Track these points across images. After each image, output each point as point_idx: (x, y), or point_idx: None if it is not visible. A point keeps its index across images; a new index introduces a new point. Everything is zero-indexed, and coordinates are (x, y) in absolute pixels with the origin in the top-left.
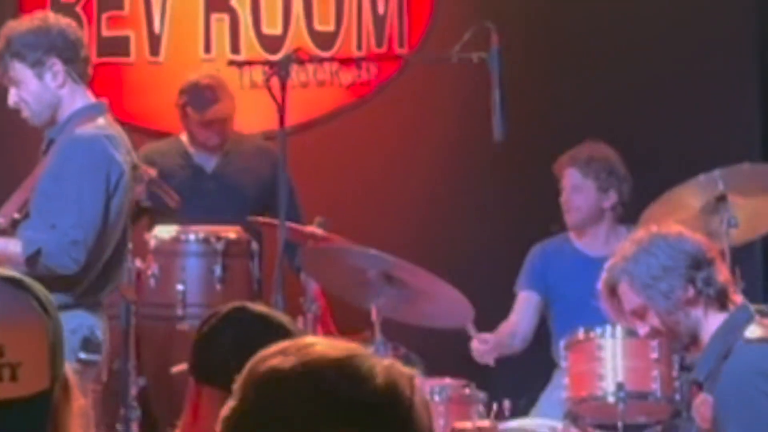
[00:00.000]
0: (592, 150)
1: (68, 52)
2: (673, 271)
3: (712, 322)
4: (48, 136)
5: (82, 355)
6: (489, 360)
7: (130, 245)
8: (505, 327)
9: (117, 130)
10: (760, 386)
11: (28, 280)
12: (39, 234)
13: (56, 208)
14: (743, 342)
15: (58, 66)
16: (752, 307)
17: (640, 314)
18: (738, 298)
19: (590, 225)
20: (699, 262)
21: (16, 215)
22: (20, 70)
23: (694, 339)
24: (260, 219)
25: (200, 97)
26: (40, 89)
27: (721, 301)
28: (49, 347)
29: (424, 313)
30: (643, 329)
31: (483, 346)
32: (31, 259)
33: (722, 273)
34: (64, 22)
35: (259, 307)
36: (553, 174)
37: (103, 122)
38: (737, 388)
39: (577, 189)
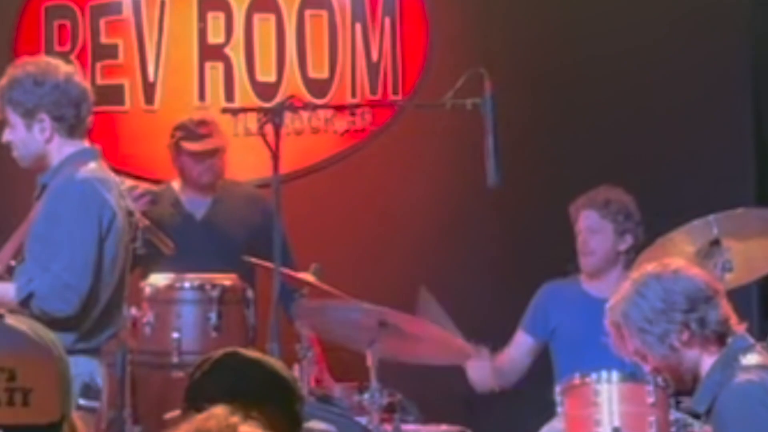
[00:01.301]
0: (609, 193)
1: (60, 109)
2: (666, 315)
3: (709, 360)
4: (40, 182)
5: (82, 402)
6: (492, 383)
7: (126, 292)
8: (501, 360)
9: (110, 175)
10: (762, 402)
11: (35, 323)
12: (32, 278)
13: (49, 252)
14: (740, 369)
15: (46, 122)
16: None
17: (641, 355)
18: (740, 329)
19: (606, 268)
20: (694, 302)
21: (12, 261)
22: (12, 116)
23: (696, 378)
24: (255, 260)
25: (194, 130)
26: (27, 138)
27: (720, 338)
28: (59, 380)
29: (421, 355)
30: (647, 368)
31: (481, 369)
32: (25, 303)
33: (721, 308)
34: (65, 73)
35: (251, 353)
36: (548, 217)
37: (94, 166)
38: (737, 408)
39: (595, 231)
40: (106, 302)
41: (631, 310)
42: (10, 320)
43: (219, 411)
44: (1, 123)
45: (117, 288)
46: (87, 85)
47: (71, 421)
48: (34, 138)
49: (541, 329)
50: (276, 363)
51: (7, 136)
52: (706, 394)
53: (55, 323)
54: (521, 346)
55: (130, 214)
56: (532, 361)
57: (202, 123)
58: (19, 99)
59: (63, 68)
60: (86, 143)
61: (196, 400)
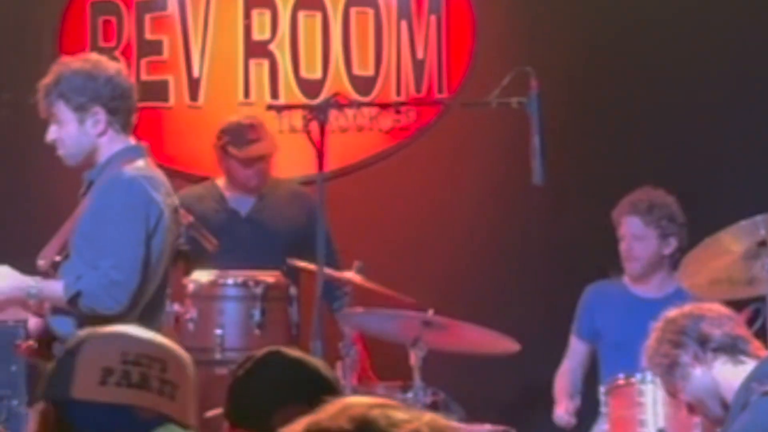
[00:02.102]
0: (652, 196)
1: (114, 102)
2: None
3: (728, 378)
4: (87, 179)
5: None
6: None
7: (169, 289)
8: (563, 377)
9: (157, 173)
10: None
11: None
12: (80, 275)
13: (96, 249)
14: (761, 394)
15: (100, 115)
16: None
17: (693, 408)
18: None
19: (650, 273)
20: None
21: (57, 258)
22: (63, 111)
23: (724, 405)
24: (298, 262)
25: (242, 135)
26: (79, 133)
27: (733, 356)
28: (194, 388)
29: (466, 348)
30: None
31: (568, 417)
32: (73, 301)
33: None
34: (114, 69)
35: (294, 352)
36: (593, 217)
37: (142, 164)
38: None
39: (639, 238)
40: (149, 299)
41: (676, 369)
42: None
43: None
44: (44, 122)
45: (160, 285)
46: (132, 80)
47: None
48: (86, 132)
49: (587, 331)
50: (318, 363)
51: (53, 134)
52: (733, 417)
53: (102, 321)
54: (578, 352)
55: (175, 211)
56: (588, 366)
57: (251, 127)
58: (72, 93)
59: (111, 63)
60: (133, 140)
61: (238, 398)
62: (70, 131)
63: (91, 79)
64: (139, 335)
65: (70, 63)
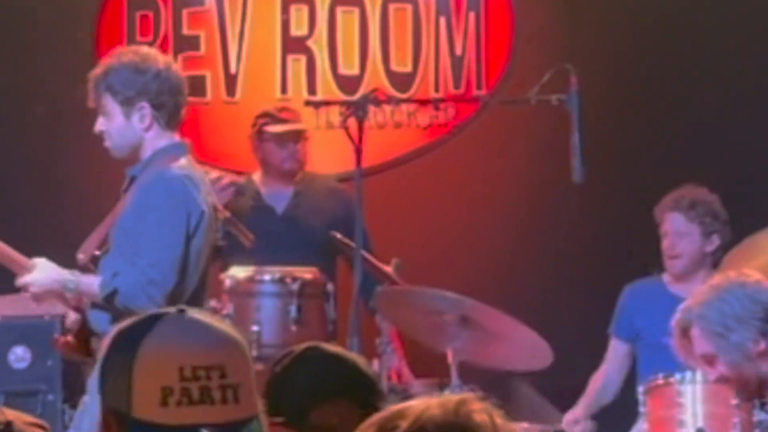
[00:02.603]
0: (695, 194)
1: (160, 97)
2: (745, 323)
3: None
4: (129, 174)
5: None
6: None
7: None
8: (596, 382)
9: (198, 171)
10: None
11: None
12: (117, 272)
13: (135, 247)
14: None
15: (146, 110)
16: None
17: (709, 360)
18: None
19: (692, 271)
20: None
21: (96, 252)
22: (110, 103)
23: (761, 389)
24: (340, 236)
25: (277, 116)
26: (124, 127)
27: None
28: (253, 372)
29: (501, 357)
30: (712, 375)
31: (577, 428)
32: (108, 298)
33: None
34: (165, 63)
35: (333, 347)
36: (632, 215)
37: (185, 162)
38: None
39: (682, 234)
40: (188, 299)
41: (710, 314)
42: (194, 315)
43: (449, 398)
44: (89, 116)
45: (199, 284)
46: (184, 76)
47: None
48: (132, 126)
49: (626, 331)
50: (357, 358)
51: (101, 125)
52: None
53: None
54: (617, 355)
55: (215, 209)
56: (627, 367)
57: (284, 109)
58: (120, 86)
59: (162, 57)
60: (178, 137)
61: (277, 394)
62: (117, 124)
63: (139, 73)
64: (194, 338)
65: (121, 55)
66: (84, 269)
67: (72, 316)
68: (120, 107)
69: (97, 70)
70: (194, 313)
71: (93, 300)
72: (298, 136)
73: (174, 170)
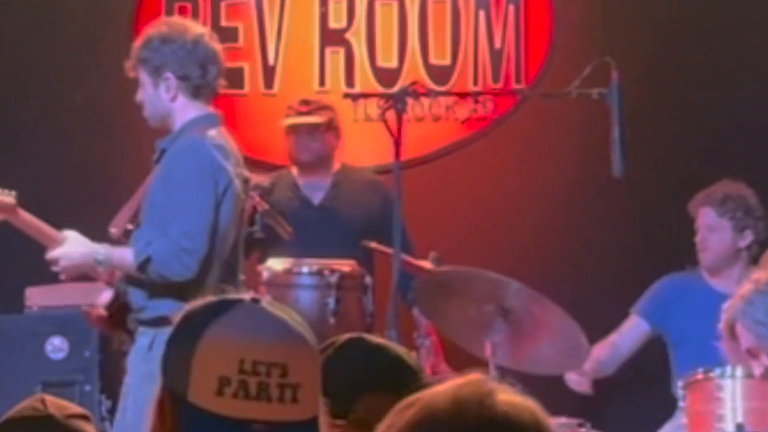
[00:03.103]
0: (728, 189)
1: (185, 68)
2: None
3: None
4: (159, 147)
5: None
6: (586, 389)
7: (242, 276)
8: (602, 350)
9: (228, 142)
10: None
11: (286, 307)
12: (149, 242)
13: (166, 216)
14: None
15: (171, 80)
16: None
17: (754, 353)
18: None
19: (725, 265)
20: None
21: (129, 225)
22: (142, 73)
23: None
24: (375, 245)
25: (297, 108)
26: (154, 97)
27: None
28: (319, 370)
29: (539, 353)
30: (758, 369)
31: (580, 377)
32: (142, 267)
33: None
34: (194, 34)
35: (376, 338)
36: (672, 210)
37: (214, 133)
38: None
39: (713, 229)
40: (221, 271)
41: (752, 308)
42: (268, 306)
43: (475, 377)
44: (123, 96)
45: (232, 253)
46: (218, 48)
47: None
48: (159, 96)
49: (658, 318)
50: (400, 349)
51: (139, 96)
52: None
53: (173, 289)
54: (633, 330)
55: (245, 181)
56: (636, 349)
57: (306, 102)
58: (148, 56)
59: (193, 29)
60: (211, 108)
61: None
62: (148, 94)
63: (165, 43)
64: (261, 332)
65: (156, 26)
66: (116, 243)
67: (106, 292)
68: (149, 77)
69: (137, 41)
70: (268, 304)
71: (126, 271)
72: (311, 128)
73: (203, 140)
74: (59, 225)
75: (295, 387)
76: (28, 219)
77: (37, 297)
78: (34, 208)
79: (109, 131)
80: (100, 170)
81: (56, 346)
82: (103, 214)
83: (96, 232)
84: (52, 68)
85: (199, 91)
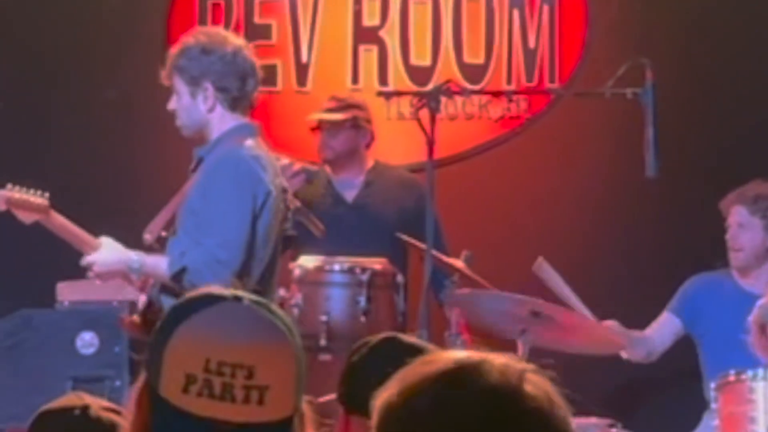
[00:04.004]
0: (760, 188)
1: (224, 80)
2: None
3: None
4: (197, 155)
5: None
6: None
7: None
8: (638, 333)
9: (266, 153)
10: None
11: (275, 306)
12: (184, 252)
13: (203, 227)
14: None
15: (210, 91)
16: None
17: None
18: None
19: (755, 265)
20: None
21: (163, 233)
22: (178, 82)
23: None
24: (407, 238)
25: (326, 104)
26: (191, 107)
27: None
28: (295, 374)
29: (573, 345)
30: None
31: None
32: (177, 277)
33: None
34: (234, 46)
35: (411, 338)
36: (706, 211)
37: (252, 143)
38: None
39: (744, 227)
40: (257, 280)
41: None
42: (250, 305)
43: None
44: (158, 100)
45: (268, 266)
46: (256, 60)
47: (301, 411)
48: (197, 106)
49: (688, 315)
50: (434, 349)
51: (172, 104)
52: None
53: None
54: (665, 326)
55: (284, 191)
56: (668, 345)
57: (334, 98)
58: (186, 66)
59: (233, 40)
60: (247, 119)
61: (354, 384)
62: (184, 104)
63: (205, 54)
64: (232, 332)
65: (195, 35)
66: (150, 250)
67: (142, 298)
68: (186, 87)
69: (173, 49)
70: (251, 303)
71: (159, 280)
72: (331, 125)
73: (241, 150)
74: (91, 227)
75: (262, 389)
76: (61, 222)
77: (67, 292)
78: (66, 210)
79: (142, 131)
80: (133, 172)
81: (86, 342)
82: (135, 216)
83: (123, 230)
84: (85, 64)
85: (236, 102)
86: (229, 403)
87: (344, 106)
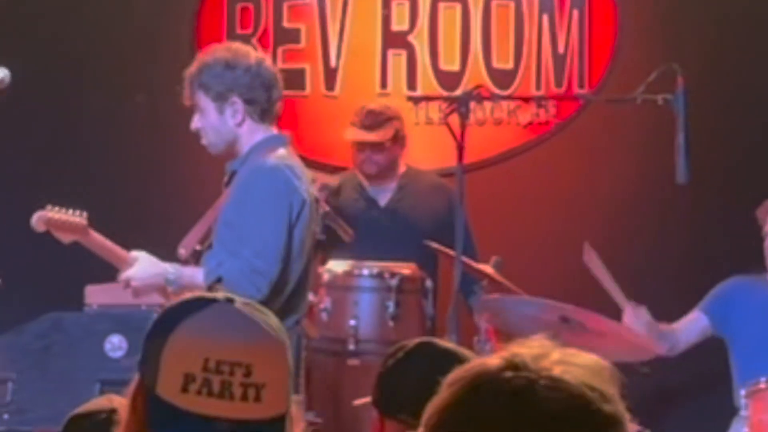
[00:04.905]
0: None
1: (252, 92)
2: None
3: None
4: (230, 169)
5: None
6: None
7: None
8: (665, 326)
9: (298, 162)
10: None
11: (263, 308)
12: (221, 262)
13: (239, 238)
14: None
15: (238, 105)
16: None
17: None
18: None
19: None
20: None
21: (198, 247)
22: (203, 100)
23: None
24: (436, 245)
25: (361, 118)
26: (219, 123)
27: None
28: (288, 373)
29: (603, 351)
30: None
31: (637, 318)
32: (213, 288)
33: None
34: (257, 58)
35: (446, 343)
36: (736, 217)
37: (284, 153)
38: None
39: None
40: (292, 288)
41: None
42: (241, 306)
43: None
44: (190, 110)
45: (303, 274)
46: (277, 70)
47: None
48: (225, 122)
49: (719, 315)
50: (470, 354)
51: (197, 123)
52: None
53: None
54: (692, 322)
55: (316, 200)
56: (692, 342)
57: (371, 113)
58: (211, 82)
59: (254, 53)
60: (275, 130)
61: (389, 388)
62: (211, 120)
63: (230, 69)
64: (228, 332)
65: (214, 52)
66: (185, 264)
67: None
68: (213, 103)
69: (192, 68)
70: (242, 305)
71: (197, 292)
72: (373, 146)
73: (274, 160)
74: (124, 242)
75: (259, 387)
76: (98, 240)
77: (96, 295)
78: (97, 225)
79: (172, 139)
80: (164, 184)
81: (115, 345)
82: (168, 230)
83: (149, 237)
84: (114, 68)
85: (265, 114)
86: (228, 401)
87: (384, 119)
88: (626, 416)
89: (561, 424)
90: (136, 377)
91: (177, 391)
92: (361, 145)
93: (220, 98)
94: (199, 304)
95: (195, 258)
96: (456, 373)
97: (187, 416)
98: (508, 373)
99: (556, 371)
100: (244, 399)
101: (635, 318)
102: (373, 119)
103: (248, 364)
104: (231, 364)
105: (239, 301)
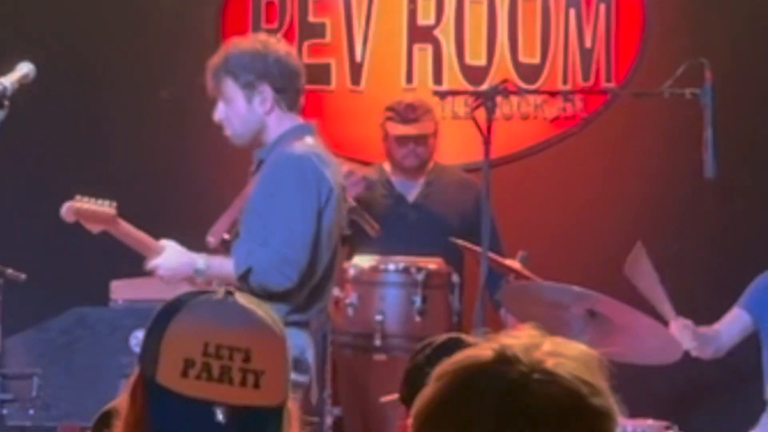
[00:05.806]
0: None
1: (281, 81)
2: None
3: None
4: (258, 157)
5: (293, 376)
6: (691, 345)
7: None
8: (707, 329)
9: (326, 150)
10: None
11: (259, 300)
12: (251, 252)
13: (267, 226)
14: None
15: (267, 93)
16: None
17: None
18: None
19: None
20: None
21: (226, 235)
22: (232, 88)
23: None
24: (462, 242)
25: (400, 113)
26: (246, 112)
27: None
28: (286, 362)
29: (630, 351)
30: None
31: (685, 331)
32: (244, 278)
33: None
34: (284, 49)
35: (474, 339)
36: (765, 212)
37: (312, 141)
38: None
39: None
40: (319, 276)
41: None
42: (240, 298)
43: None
44: (214, 104)
45: (329, 262)
46: (302, 64)
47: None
48: (253, 110)
49: (758, 310)
50: None
51: (221, 113)
52: None
53: (272, 297)
54: (734, 321)
55: (343, 189)
56: (736, 341)
57: (411, 107)
58: (242, 71)
59: (281, 44)
60: (301, 119)
61: (418, 384)
62: (238, 109)
63: (260, 58)
64: (226, 318)
65: (240, 42)
66: (213, 253)
67: None
68: (242, 91)
69: (216, 58)
70: (240, 297)
71: (226, 281)
72: (418, 138)
73: (302, 148)
74: (153, 232)
75: (257, 373)
76: (127, 229)
77: (121, 290)
78: (125, 215)
79: (197, 132)
80: (191, 174)
81: (140, 340)
82: (197, 220)
83: (185, 234)
84: (138, 64)
85: (292, 103)
86: (227, 385)
87: (423, 112)
88: (616, 409)
89: (553, 418)
90: (135, 370)
91: (177, 377)
92: (404, 139)
93: (249, 86)
94: (197, 295)
95: (224, 246)
96: (446, 365)
97: (187, 402)
98: (501, 366)
99: (549, 364)
100: (243, 384)
101: (682, 332)
102: (414, 113)
103: (247, 349)
104: (230, 348)
105: (237, 293)
